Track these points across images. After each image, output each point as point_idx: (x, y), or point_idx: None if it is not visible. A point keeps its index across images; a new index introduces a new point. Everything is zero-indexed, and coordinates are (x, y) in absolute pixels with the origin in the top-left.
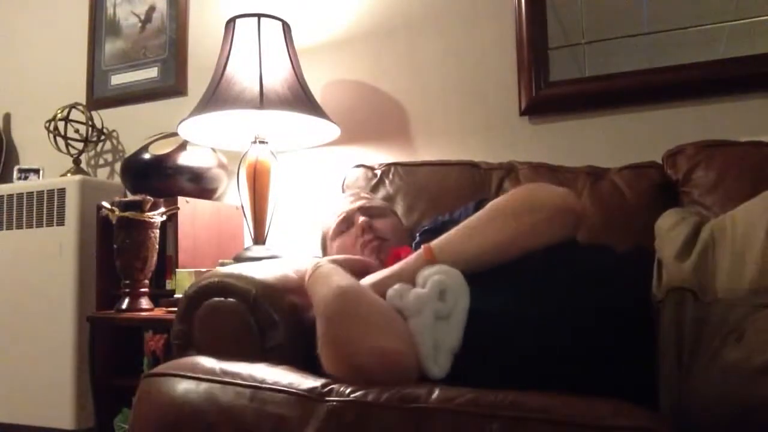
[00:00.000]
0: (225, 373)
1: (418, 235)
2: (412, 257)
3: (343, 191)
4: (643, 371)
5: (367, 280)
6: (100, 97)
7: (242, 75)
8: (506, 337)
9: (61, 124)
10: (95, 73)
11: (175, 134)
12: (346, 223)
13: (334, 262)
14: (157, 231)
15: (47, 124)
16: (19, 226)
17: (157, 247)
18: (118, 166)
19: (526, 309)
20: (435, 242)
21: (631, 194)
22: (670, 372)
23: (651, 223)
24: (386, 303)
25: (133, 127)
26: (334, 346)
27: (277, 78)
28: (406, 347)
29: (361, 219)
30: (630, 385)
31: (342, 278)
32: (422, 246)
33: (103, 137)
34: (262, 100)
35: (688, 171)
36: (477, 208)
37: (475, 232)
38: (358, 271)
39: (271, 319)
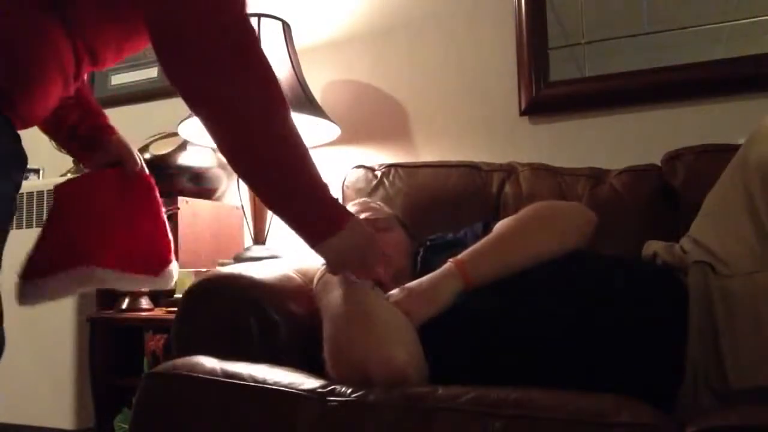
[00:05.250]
0: (226, 373)
1: (421, 249)
2: (443, 273)
3: (343, 192)
4: (659, 367)
5: (396, 296)
6: (99, 97)
7: None
8: (540, 337)
9: None
10: (95, 73)
11: (175, 134)
12: None
13: None
14: None
15: None
16: (19, 226)
17: None
18: None
19: (556, 309)
20: (464, 255)
21: (630, 199)
22: (704, 338)
23: (649, 229)
24: (397, 310)
25: (133, 127)
26: (341, 352)
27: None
28: (415, 359)
29: None
30: (640, 379)
31: (352, 283)
32: (451, 260)
33: None
34: None
35: (687, 178)
36: (485, 229)
37: (508, 241)
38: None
39: (271, 319)
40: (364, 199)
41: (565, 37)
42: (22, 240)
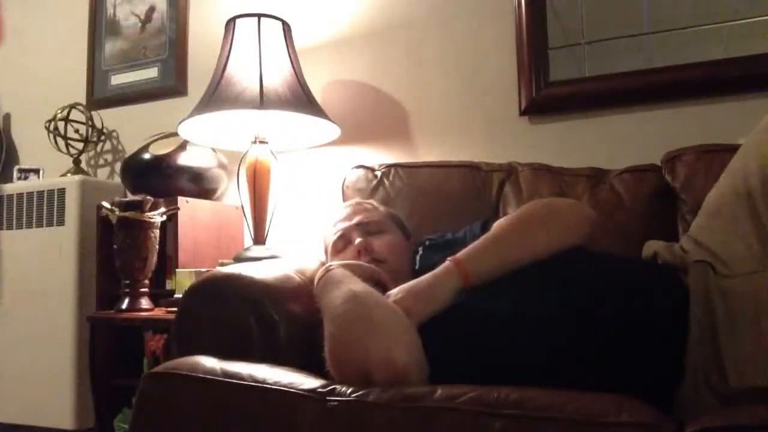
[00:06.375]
0: (225, 373)
1: (420, 248)
2: (442, 272)
3: (343, 192)
4: (655, 367)
5: (396, 296)
6: (100, 97)
7: (242, 75)
8: (531, 336)
9: (61, 124)
10: (95, 73)
11: (175, 134)
12: (344, 241)
13: (346, 266)
14: (157, 231)
15: (47, 124)
16: (19, 226)
17: (157, 247)
18: (118, 166)
19: (555, 308)
20: (463, 254)
21: (630, 199)
22: (704, 338)
23: (649, 229)
24: (396, 309)
25: (133, 127)
26: (342, 350)
27: (277, 78)
28: (415, 360)
29: (358, 240)
30: (638, 380)
31: (354, 283)
32: (449, 259)
33: (103, 137)
34: (262, 100)
35: (687, 178)
36: (484, 228)
37: (506, 239)
38: (368, 278)
39: (271, 318)
40: (357, 199)
41: (565, 37)
42: (22, 240)
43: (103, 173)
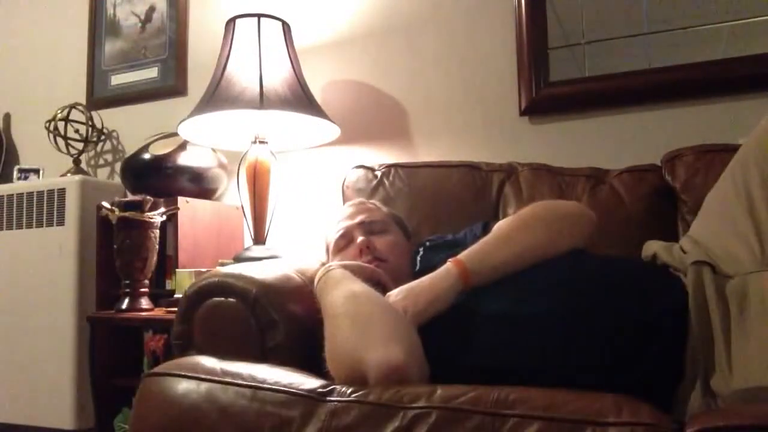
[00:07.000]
0: (225, 373)
1: (421, 249)
2: (443, 272)
3: (343, 192)
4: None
5: (396, 296)
6: (100, 97)
7: (242, 75)
8: (536, 338)
9: (61, 124)
10: (95, 73)
11: (175, 134)
12: (346, 239)
13: (346, 267)
14: (157, 231)
15: (47, 124)
16: (19, 226)
17: (157, 247)
18: (118, 166)
19: (555, 309)
20: (464, 255)
21: (630, 200)
22: (703, 338)
23: (649, 229)
24: (397, 310)
25: (133, 127)
26: (341, 351)
27: (277, 78)
28: (414, 360)
29: (360, 239)
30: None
31: (354, 283)
32: (450, 260)
33: (103, 137)
34: (262, 100)
35: (688, 178)
36: (484, 229)
37: (507, 240)
38: (368, 278)
39: (271, 319)
40: (360, 199)
41: (565, 37)
42: (22, 240)
43: (103, 173)
